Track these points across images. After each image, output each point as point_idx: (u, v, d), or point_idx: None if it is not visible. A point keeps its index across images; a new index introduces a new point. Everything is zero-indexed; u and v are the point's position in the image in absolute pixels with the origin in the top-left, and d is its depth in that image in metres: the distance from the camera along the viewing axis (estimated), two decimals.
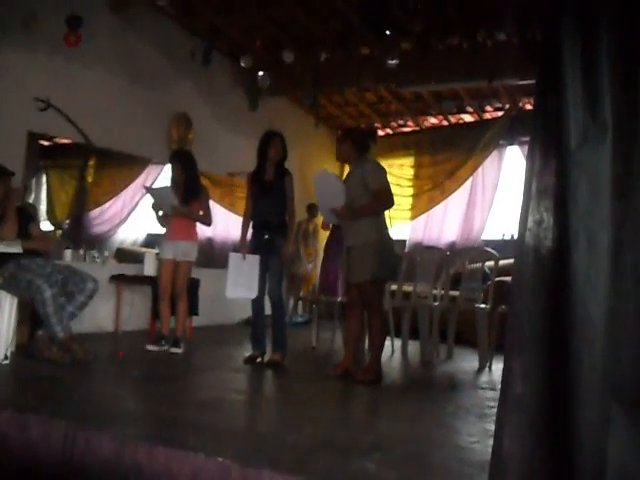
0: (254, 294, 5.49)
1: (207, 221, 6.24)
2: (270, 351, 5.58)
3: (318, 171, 5.51)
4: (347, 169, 11.36)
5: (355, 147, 5.18)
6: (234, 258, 5.53)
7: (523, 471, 1.78)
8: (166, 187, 6.00)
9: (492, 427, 1.95)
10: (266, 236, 5.49)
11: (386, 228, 5.14)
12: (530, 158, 1.92)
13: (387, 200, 5.04)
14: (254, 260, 5.48)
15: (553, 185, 1.83)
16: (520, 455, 1.78)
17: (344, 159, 5.47)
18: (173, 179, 6.15)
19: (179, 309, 6.10)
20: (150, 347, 5.92)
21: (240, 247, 5.70)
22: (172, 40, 8.10)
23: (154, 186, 6.94)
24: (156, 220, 6.16)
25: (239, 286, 5.45)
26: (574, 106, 1.81)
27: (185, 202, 5.97)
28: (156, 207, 6.06)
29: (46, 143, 7.12)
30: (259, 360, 5.58)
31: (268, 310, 5.60)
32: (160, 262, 6.19)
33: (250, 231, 5.70)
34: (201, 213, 6.14)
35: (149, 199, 6.19)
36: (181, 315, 6.11)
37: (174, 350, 5.94)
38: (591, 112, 1.78)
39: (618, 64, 1.75)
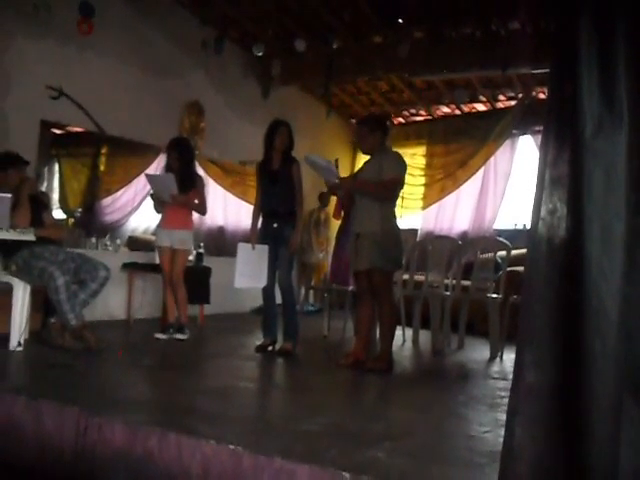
0: (263, 283, 5.52)
1: (202, 210, 6.27)
2: (281, 340, 5.62)
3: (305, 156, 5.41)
4: (362, 159, 11.41)
5: (384, 137, 5.16)
6: (243, 248, 5.55)
7: (535, 461, 1.78)
8: (168, 175, 5.99)
9: (503, 417, 1.95)
10: (274, 225, 5.52)
11: (394, 219, 5.10)
12: (544, 147, 1.90)
13: (393, 190, 5.02)
14: (263, 249, 5.51)
15: (567, 174, 1.82)
16: (532, 445, 1.78)
17: (371, 150, 5.18)
18: (168, 166, 6.18)
19: (178, 297, 6.11)
20: (159, 335, 5.94)
21: (250, 237, 5.72)
22: (184, 29, 8.09)
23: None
24: (153, 207, 6.22)
25: (247, 276, 5.47)
26: (589, 95, 1.79)
27: (182, 191, 5.98)
28: (155, 196, 6.10)
29: (58, 131, 7.14)
30: (270, 348, 5.62)
31: (279, 298, 5.61)
32: (158, 250, 6.25)
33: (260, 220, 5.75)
34: (197, 202, 6.16)
35: (149, 187, 6.25)
36: (181, 302, 6.11)
37: (179, 336, 5.97)
38: (607, 101, 1.76)
39: (635, 53, 1.74)
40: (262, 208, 5.67)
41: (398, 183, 5.03)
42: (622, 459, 1.64)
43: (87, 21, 6.63)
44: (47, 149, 6.95)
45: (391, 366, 5.00)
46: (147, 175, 6.33)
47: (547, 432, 1.77)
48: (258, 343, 5.69)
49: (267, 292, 5.66)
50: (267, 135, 5.64)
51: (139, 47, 7.56)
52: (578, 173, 1.79)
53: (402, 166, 5.06)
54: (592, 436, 1.70)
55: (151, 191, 6.18)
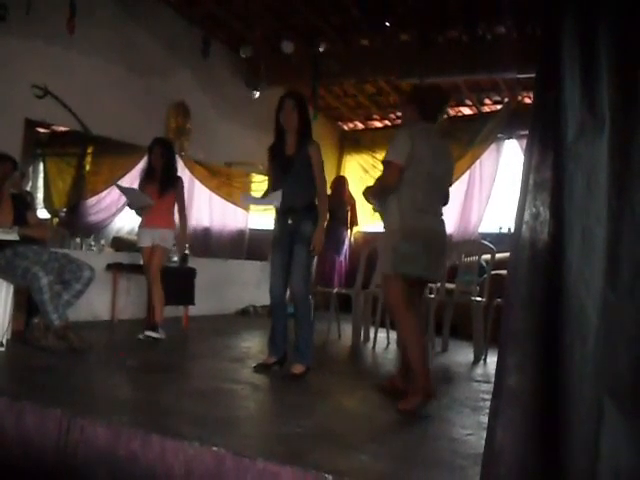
0: (277, 202, 4.60)
1: (182, 216, 6.31)
2: (292, 359, 4.76)
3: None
4: (348, 162, 11.31)
5: (420, 112, 4.19)
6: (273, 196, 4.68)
7: (516, 463, 1.79)
8: (134, 189, 6.05)
9: (486, 419, 1.96)
10: (289, 222, 4.62)
11: (417, 213, 4.03)
12: (528, 151, 1.92)
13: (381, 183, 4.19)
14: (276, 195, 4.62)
15: (550, 179, 1.83)
16: (513, 447, 1.79)
17: (403, 122, 4.57)
18: (149, 165, 6.22)
19: (154, 294, 6.07)
20: (142, 336, 5.90)
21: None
22: (171, 29, 8.08)
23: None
24: (134, 212, 6.28)
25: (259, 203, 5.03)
26: (572, 100, 1.81)
27: (162, 190, 6.02)
28: (132, 207, 6.17)
29: (43, 131, 7.10)
30: (276, 368, 4.79)
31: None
32: (140, 251, 6.28)
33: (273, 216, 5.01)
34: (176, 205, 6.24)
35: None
36: (157, 301, 6.05)
37: (151, 334, 5.87)
38: (589, 106, 1.78)
39: (617, 58, 1.75)
40: None
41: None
42: (602, 461, 1.65)
43: (70, 20, 6.58)
44: (32, 148, 6.92)
45: (429, 395, 3.86)
46: (118, 186, 6.34)
47: (528, 435, 1.78)
48: (260, 362, 4.88)
49: (276, 300, 4.76)
50: (275, 113, 4.74)
51: (125, 47, 7.53)
52: (560, 177, 1.80)
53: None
54: (572, 439, 1.71)
55: (127, 202, 6.26)
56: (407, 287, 3.98)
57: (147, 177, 6.22)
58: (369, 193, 4.25)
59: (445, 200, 4.28)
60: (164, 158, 6.10)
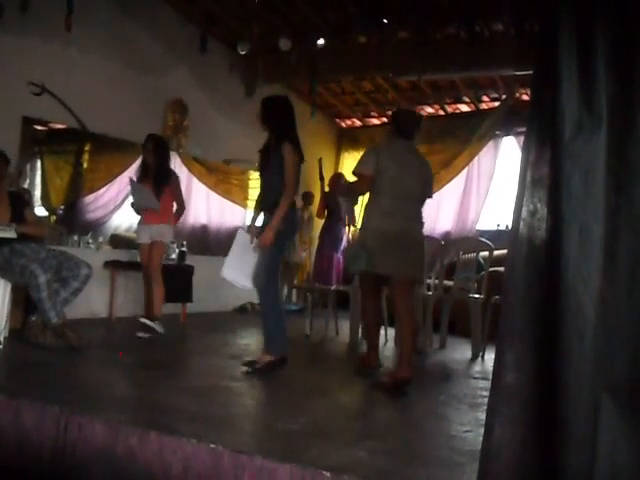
0: (248, 285, 4.80)
1: (181, 207, 6.33)
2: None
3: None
4: (346, 159, 11.32)
5: (393, 129, 4.89)
6: (242, 235, 4.87)
7: (513, 460, 1.79)
8: (146, 190, 6.07)
9: (484, 416, 1.96)
10: (266, 219, 4.72)
11: (383, 216, 4.63)
12: (526, 148, 1.92)
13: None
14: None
15: (547, 176, 1.83)
16: (510, 444, 1.79)
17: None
18: (143, 162, 6.26)
19: (155, 289, 6.09)
20: (140, 334, 5.91)
21: (248, 228, 5.00)
22: (168, 26, 8.06)
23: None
24: (133, 209, 6.32)
25: (237, 269, 4.80)
26: (569, 97, 1.81)
27: (157, 187, 6.05)
28: (135, 205, 6.19)
29: (41, 128, 7.08)
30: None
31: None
32: (138, 248, 6.30)
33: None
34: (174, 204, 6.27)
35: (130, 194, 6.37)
36: (156, 296, 6.07)
37: (147, 322, 5.93)
38: (586, 103, 1.78)
39: (614, 56, 1.75)
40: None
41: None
42: (599, 459, 1.66)
43: (67, 17, 6.57)
44: (29, 146, 6.90)
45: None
46: (131, 181, 6.27)
47: (526, 432, 1.78)
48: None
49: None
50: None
51: (123, 44, 7.51)
52: (557, 175, 1.81)
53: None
54: (570, 436, 1.71)
55: (131, 200, 6.28)
56: (370, 280, 4.86)
57: (142, 174, 6.23)
58: (340, 192, 4.96)
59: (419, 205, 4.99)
60: (157, 155, 6.13)
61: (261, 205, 4.84)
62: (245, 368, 4.63)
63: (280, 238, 4.62)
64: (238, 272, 4.78)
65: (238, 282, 4.88)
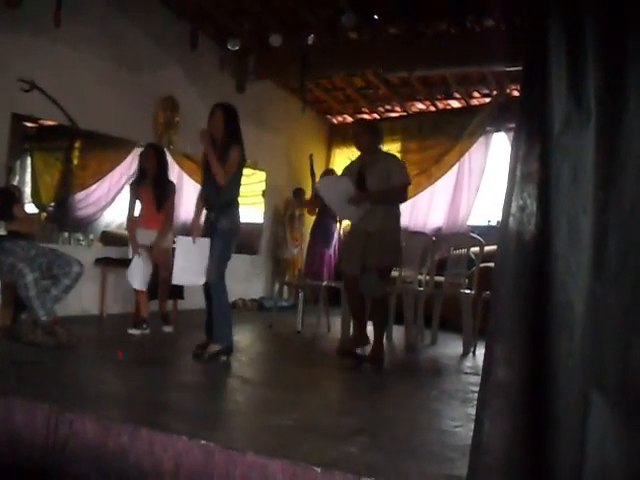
0: (202, 280, 5.08)
1: (168, 221, 6.38)
2: None
3: (321, 180, 5.44)
4: (337, 155, 11.32)
5: (376, 140, 5.37)
6: (182, 242, 5.15)
7: (503, 454, 1.80)
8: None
9: (475, 411, 1.97)
10: (210, 217, 5.09)
11: (400, 217, 5.30)
12: (515, 144, 1.92)
13: (405, 194, 5.31)
14: (204, 244, 5.03)
15: (536, 171, 1.84)
16: (500, 438, 1.80)
17: (366, 148, 5.35)
18: (141, 168, 6.29)
19: (162, 290, 6.34)
20: (132, 331, 5.91)
21: (191, 230, 5.34)
22: (159, 23, 8.03)
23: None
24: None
25: (187, 272, 5.08)
26: (558, 92, 1.81)
27: (160, 199, 6.19)
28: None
29: (31, 125, 7.05)
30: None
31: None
32: None
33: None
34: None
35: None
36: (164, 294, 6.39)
37: (166, 329, 6.20)
38: (575, 98, 1.79)
39: (603, 51, 1.76)
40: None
41: (407, 188, 5.31)
42: (588, 452, 1.66)
43: (56, 13, 6.53)
44: (19, 143, 6.86)
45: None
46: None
47: (515, 426, 1.79)
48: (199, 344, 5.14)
49: (206, 290, 5.22)
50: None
51: (113, 41, 7.48)
52: (546, 170, 1.81)
53: (406, 170, 5.35)
54: (559, 430, 1.72)
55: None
56: (350, 277, 5.26)
57: (139, 180, 6.29)
58: (378, 199, 5.14)
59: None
60: (157, 165, 6.23)
61: (204, 203, 5.19)
62: (196, 352, 4.98)
63: (227, 235, 4.99)
64: (189, 273, 5.10)
65: (191, 282, 5.29)
